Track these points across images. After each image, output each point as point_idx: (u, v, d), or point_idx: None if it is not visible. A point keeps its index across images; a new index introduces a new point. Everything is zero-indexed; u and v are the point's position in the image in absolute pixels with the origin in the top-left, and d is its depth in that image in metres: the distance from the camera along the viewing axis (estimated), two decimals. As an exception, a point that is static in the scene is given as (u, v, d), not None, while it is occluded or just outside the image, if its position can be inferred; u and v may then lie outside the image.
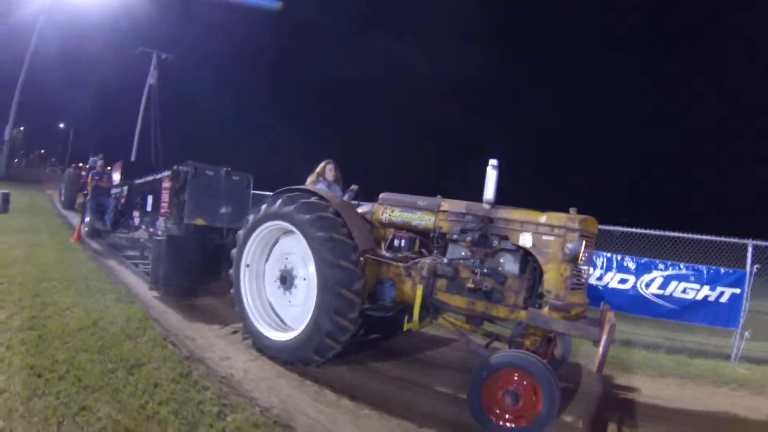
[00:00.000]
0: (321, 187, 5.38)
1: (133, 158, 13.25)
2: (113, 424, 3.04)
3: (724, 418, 4.55)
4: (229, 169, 7.51)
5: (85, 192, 12.45)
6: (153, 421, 3.15)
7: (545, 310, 3.93)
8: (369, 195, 5.43)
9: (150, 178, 8.74)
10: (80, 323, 4.76)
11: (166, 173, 7.86)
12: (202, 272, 6.91)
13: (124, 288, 6.78)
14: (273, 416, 3.50)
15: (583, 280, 4.18)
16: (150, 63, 17.84)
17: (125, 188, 10.21)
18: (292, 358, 4.56)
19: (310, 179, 5.63)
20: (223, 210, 7.42)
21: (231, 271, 5.25)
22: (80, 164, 18.31)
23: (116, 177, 11.67)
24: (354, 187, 5.62)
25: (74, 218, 14.09)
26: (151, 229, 8.50)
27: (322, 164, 5.68)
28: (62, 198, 17.47)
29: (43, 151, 58.82)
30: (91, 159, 16.80)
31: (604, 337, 3.61)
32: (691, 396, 5.04)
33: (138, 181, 9.47)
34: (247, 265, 5.18)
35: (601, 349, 3.57)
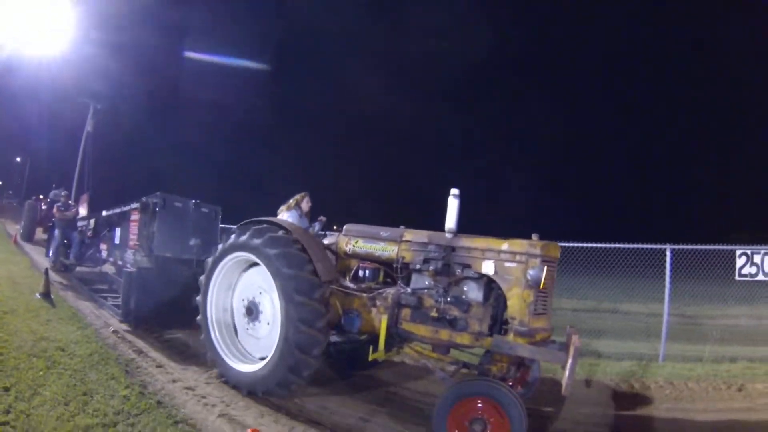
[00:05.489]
0: (290, 217, 5.39)
1: (65, 191, 13.77)
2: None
3: None
4: (198, 201, 7.46)
5: (50, 224, 12.16)
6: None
7: (510, 336, 3.95)
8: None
9: (118, 210, 8.61)
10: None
11: (135, 205, 7.76)
12: (172, 304, 6.79)
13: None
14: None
15: (548, 305, 4.24)
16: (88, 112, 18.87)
17: (92, 221, 10.00)
18: (255, 389, 4.51)
19: (283, 207, 5.64)
20: (193, 242, 7.35)
21: (198, 297, 5.20)
22: (40, 196, 17.77)
23: (82, 211, 11.46)
24: (322, 218, 5.66)
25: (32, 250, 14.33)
26: (120, 262, 8.32)
27: (300, 195, 5.70)
28: (21, 230, 16.96)
29: (0, 183, 57.98)
30: (53, 192, 16.41)
31: (569, 361, 3.65)
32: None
33: (105, 213, 9.30)
34: (215, 294, 5.13)
35: (567, 372, 3.62)
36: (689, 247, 7.22)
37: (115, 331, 6.41)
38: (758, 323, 9.46)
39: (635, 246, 7.36)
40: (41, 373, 4.28)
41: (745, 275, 6.81)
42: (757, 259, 6.76)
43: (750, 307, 9.30)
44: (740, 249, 6.87)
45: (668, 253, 7.11)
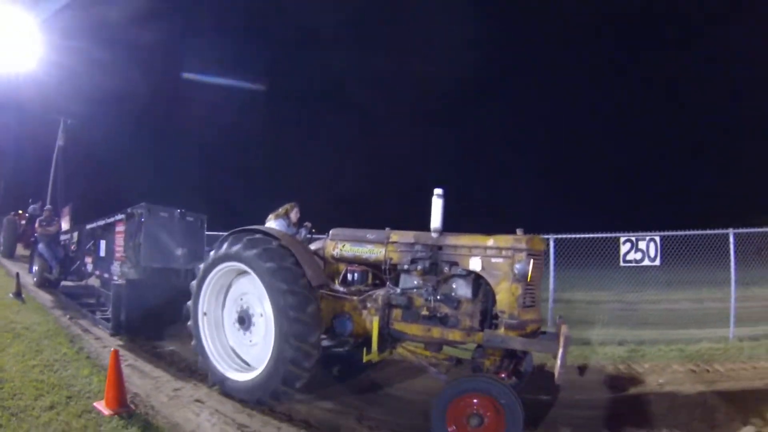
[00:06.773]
0: (278, 225, 5.37)
1: (48, 205, 13.58)
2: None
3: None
4: (183, 210, 7.40)
5: (32, 239, 11.94)
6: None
7: (501, 330, 4.02)
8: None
9: (102, 222, 8.49)
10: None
11: (120, 216, 7.68)
12: (162, 315, 6.75)
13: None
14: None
15: (536, 297, 4.31)
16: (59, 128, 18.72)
17: (75, 234, 9.86)
18: (247, 397, 4.51)
19: (272, 216, 5.63)
20: (180, 251, 7.30)
21: (189, 303, 5.16)
22: (20, 212, 17.31)
23: (65, 225, 11.26)
24: (307, 224, 5.66)
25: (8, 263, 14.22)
26: (106, 275, 8.23)
27: (290, 204, 5.70)
28: (1, 247, 16.46)
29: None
30: (31, 206, 16.05)
31: (560, 351, 3.73)
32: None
33: (89, 226, 9.17)
34: (206, 301, 5.10)
35: (558, 361, 3.69)
36: (571, 236, 7.50)
37: (70, 318, 7.90)
38: (699, 306, 9.58)
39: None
40: (9, 340, 6.04)
41: (629, 261, 6.96)
42: (642, 245, 6.91)
43: (695, 292, 9.52)
44: (624, 236, 7.02)
45: (552, 243, 7.42)
